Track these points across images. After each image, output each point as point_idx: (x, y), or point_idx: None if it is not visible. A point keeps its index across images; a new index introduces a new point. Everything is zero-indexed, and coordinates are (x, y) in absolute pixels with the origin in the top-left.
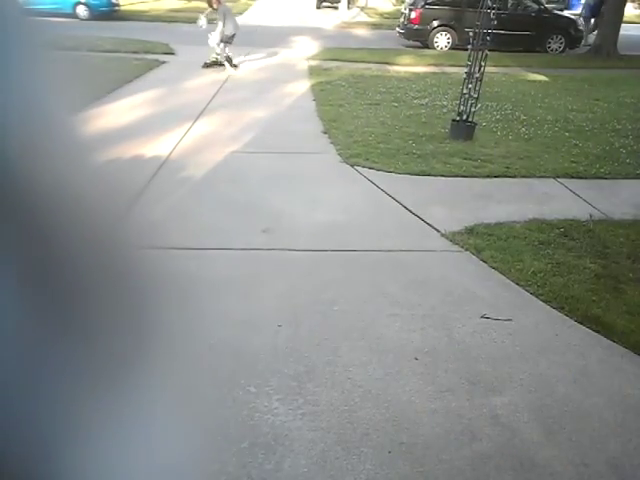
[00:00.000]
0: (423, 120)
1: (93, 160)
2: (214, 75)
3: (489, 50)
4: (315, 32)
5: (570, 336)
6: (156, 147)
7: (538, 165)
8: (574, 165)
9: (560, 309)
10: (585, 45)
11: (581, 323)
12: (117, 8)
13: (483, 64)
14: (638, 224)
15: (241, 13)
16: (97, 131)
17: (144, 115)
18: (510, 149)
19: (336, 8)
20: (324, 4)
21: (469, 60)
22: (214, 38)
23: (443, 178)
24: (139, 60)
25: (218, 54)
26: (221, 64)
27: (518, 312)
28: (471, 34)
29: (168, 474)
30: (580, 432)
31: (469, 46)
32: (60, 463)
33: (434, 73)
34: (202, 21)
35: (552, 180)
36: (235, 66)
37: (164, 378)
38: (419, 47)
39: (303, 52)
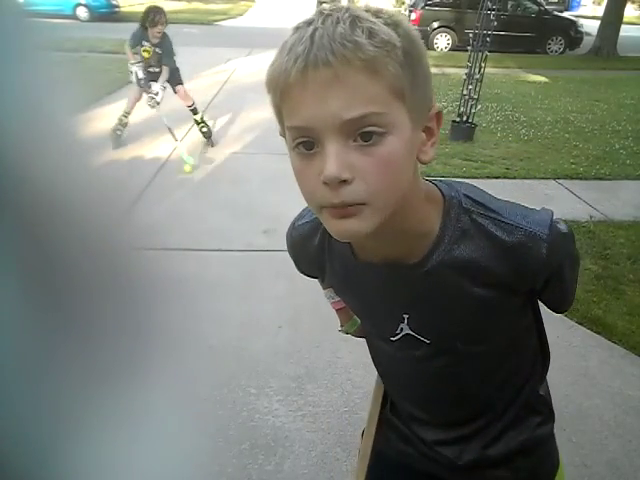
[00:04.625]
0: None
1: (93, 161)
2: (214, 77)
3: (489, 51)
4: None
5: (570, 337)
6: (156, 148)
7: (538, 166)
8: (574, 166)
9: None
10: None
11: (581, 324)
12: (117, 9)
13: (483, 65)
14: (638, 225)
15: (241, 14)
16: (97, 132)
17: (144, 116)
18: (510, 150)
19: None
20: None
21: (469, 61)
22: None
23: (443, 179)
24: None
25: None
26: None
27: None
28: (471, 35)
29: (167, 475)
30: (580, 433)
31: (469, 47)
32: (59, 464)
33: (434, 74)
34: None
35: (552, 181)
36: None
37: (164, 379)
38: None
39: None
